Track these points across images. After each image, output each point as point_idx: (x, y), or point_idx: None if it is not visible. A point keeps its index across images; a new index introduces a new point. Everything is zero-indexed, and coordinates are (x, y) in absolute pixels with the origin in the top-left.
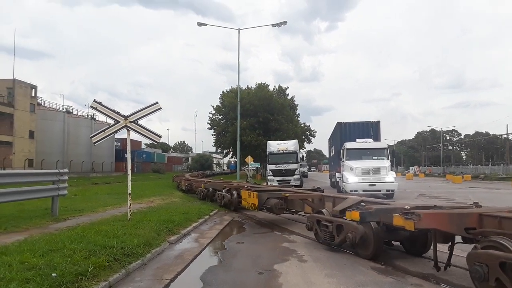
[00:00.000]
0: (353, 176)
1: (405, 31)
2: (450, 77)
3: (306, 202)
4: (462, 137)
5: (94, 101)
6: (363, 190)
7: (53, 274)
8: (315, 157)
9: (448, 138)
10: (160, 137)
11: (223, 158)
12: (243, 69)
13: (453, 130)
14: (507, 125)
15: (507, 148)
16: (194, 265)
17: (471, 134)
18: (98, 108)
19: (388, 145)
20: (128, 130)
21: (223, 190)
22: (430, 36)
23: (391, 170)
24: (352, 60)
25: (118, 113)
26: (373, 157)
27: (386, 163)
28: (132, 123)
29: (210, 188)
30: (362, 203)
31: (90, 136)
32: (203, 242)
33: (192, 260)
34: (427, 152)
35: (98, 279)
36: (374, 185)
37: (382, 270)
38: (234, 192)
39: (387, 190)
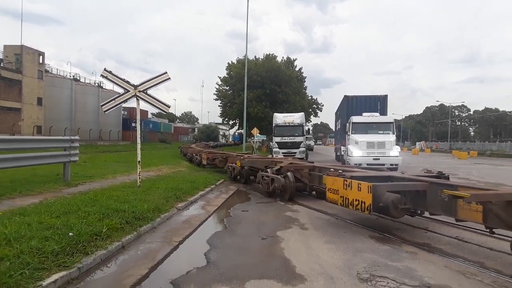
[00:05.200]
0: (357, 149)
1: (421, 3)
2: (465, 51)
3: (486, 205)
4: (471, 112)
5: (105, 69)
6: (367, 164)
7: (70, 233)
8: (321, 131)
9: (457, 113)
10: (169, 107)
11: (229, 129)
12: (253, 38)
13: (462, 105)
14: None
15: None
16: (201, 230)
17: (481, 110)
18: (108, 77)
19: (394, 119)
20: (137, 99)
21: (269, 171)
22: (447, 10)
23: (396, 144)
24: (365, 31)
25: (128, 82)
26: (379, 131)
27: (392, 137)
28: (141, 93)
29: (246, 166)
30: None
31: (101, 104)
32: (209, 209)
33: (199, 225)
34: (435, 127)
35: (112, 240)
36: (379, 159)
37: (379, 239)
38: (289, 174)
39: (391, 164)
